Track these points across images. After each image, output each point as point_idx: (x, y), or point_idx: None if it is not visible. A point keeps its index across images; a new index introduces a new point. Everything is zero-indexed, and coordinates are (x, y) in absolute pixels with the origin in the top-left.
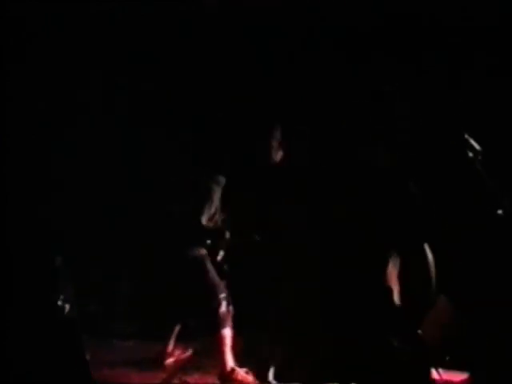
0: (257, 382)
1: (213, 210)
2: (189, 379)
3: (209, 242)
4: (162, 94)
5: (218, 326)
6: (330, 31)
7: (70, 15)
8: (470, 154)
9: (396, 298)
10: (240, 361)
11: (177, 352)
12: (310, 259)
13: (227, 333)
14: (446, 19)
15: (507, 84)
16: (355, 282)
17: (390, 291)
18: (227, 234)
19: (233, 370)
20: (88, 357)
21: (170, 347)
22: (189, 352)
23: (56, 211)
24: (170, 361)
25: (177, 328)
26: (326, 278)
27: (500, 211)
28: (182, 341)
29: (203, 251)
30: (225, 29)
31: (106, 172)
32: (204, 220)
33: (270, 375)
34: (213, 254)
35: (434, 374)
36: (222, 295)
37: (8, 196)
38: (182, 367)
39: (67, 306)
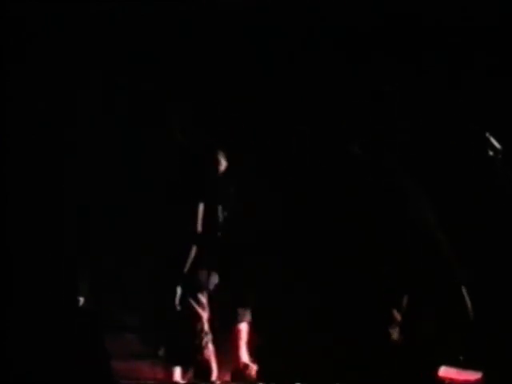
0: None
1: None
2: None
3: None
4: (161, 94)
5: (234, 320)
6: (330, 31)
7: (70, 15)
8: (491, 153)
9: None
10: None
11: None
12: (310, 259)
13: (243, 328)
14: (446, 19)
15: (507, 84)
16: (355, 282)
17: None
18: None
19: (246, 365)
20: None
21: None
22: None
23: (56, 211)
24: None
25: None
26: (326, 278)
27: None
28: None
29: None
30: (225, 29)
31: (106, 172)
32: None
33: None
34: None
35: (447, 372)
36: None
37: (8, 196)
38: None
39: (82, 300)
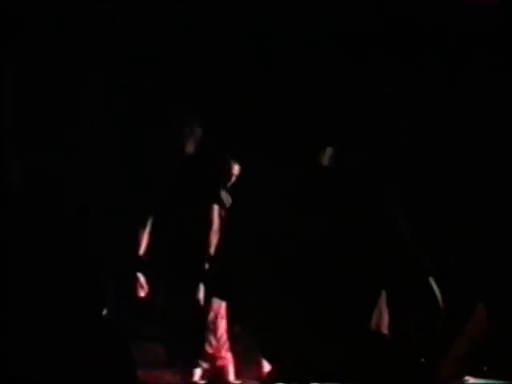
0: None
1: None
2: None
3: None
4: (161, 94)
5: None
6: (330, 31)
7: (70, 15)
8: None
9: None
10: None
11: None
12: (310, 259)
13: None
14: (446, 19)
15: (507, 84)
16: (355, 281)
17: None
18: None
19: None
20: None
21: None
22: None
23: (55, 211)
24: None
25: None
26: (326, 277)
27: None
28: None
29: None
30: (225, 29)
31: (106, 172)
32: None
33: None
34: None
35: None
36: None
37: (8, 196)
38: None
39: (106, 309)
